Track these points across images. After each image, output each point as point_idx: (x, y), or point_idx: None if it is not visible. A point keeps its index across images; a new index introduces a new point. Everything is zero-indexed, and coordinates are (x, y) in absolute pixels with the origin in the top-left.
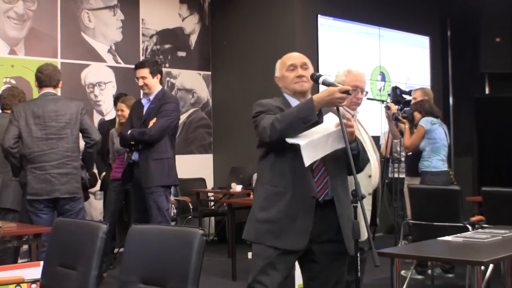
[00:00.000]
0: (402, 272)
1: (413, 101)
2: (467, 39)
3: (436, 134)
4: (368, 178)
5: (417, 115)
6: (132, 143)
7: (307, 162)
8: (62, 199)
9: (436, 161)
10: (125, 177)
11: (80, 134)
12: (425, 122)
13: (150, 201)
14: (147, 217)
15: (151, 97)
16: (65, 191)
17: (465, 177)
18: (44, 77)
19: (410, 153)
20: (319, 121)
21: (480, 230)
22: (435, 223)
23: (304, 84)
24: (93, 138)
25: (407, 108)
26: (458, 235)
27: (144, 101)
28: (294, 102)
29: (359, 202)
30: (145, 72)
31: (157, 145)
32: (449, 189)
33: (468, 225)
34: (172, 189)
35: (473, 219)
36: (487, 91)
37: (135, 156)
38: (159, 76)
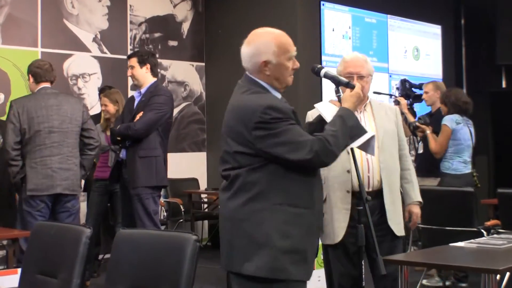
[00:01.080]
0: (424, 282)
1: (424, 96)
2: (482, 28)
3: (461, 134)
4: (347, 173)
5: (444, 108)
6: (119, 139)
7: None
8: (63, 196)
9: (457, 163)
10: (113, 177)
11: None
12: (450, 121)
13: (137, 204)
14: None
15: (142, 90)
16: (66, 187)
17: (480, 178)
18: (43, 72)
19: (421, 151)
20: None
21: (495, 235)
22: (447, 228)
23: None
24: (97, 140)
25: (422, 115)
26: (472, 240)
27: (135, 94)
28: (277, 95)
29: (364, 205)
30: (133, 61)
31: (145, 141)
32: (462, 190)
33: (482, 230)
34: (162, 191)
35: (488, 223)
36: (504, 85)
37: (122, 153)
38: (148, 67)
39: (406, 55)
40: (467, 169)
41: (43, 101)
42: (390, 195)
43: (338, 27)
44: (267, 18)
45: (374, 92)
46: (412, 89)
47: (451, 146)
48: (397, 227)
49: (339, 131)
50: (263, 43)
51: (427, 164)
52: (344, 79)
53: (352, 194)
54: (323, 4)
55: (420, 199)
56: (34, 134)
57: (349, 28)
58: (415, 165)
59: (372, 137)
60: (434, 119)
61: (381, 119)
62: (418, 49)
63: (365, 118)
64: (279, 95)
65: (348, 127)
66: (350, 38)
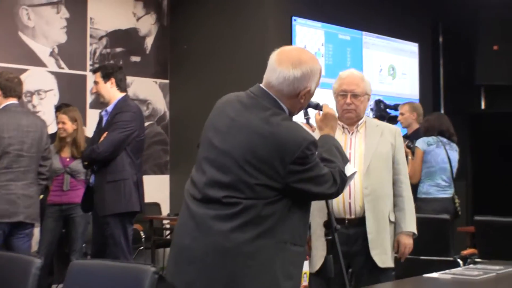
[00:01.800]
0: None
1: (400, 117)
2: (461, 46)
3: (432, 156)
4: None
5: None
6: (86, 163)
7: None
8: (23, 224)
9: (427, 187)
10: (85, 204)
11: None
12: (421, 143)
13: (106, 233)
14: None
15: (109, 108)
16: (29, 215)
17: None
18: (13, 86)
19: None
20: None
21: (471, 265)
22: (421, 257)
23: None
24: (49, 169)
25: (408, 140)
26: (447, 271)
27: (103, 113)
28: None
29: (332, 235)
30: (97, 76)
31: (112, 164)
32: (437, 218)
33: (458, 260)
34: None
35: (465, 252)
36: (483, 106)
37: (92, 179)
38: (113, 81)
39: (381, 74)
40: (442, 193)
41: (15, 119)
42: (375, 223)
43: (310, 44)
44: (236, 34)
45: None
46: (387, 110)
47: (423, 168)
48: (381, 257)
49: (341, 161)
50: (313, 70)
51: None
52: (313, 101)
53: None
54: (294, 20)
55: (412, 229)
56: (1, 155)
57: (322, 45)
58: None
59: (354, 173)
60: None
61: (373, 141)
62: (394, 67)
63: (355, 140)
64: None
65: (344, 157)
66: (323, 56)
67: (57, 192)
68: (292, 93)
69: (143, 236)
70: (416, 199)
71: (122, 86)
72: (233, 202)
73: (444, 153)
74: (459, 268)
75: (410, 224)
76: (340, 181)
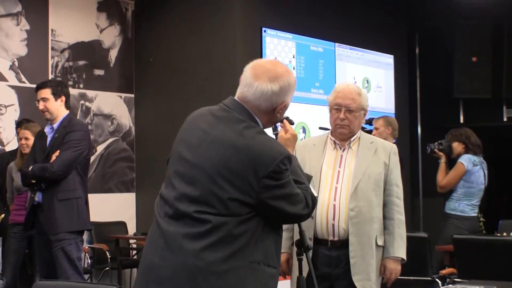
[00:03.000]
0: None
1: (374, 132)
2: (438, 58)
3: (475, 177)
4: (310, 219)
5: (457, 146)
6: (33, 181)
7: None
8: None
9: (464, 206)
10: (28, 222)
11: None
12: (467, 161)
13: (58, 251)
14: (55, 270)
15: (55, 125)
16: None
17: (436, 221)
18: None
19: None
20: None
21: (451, 286)
22: (399, 277)
23: None
24: None
25: (444, 140)
26: None
27: (47, 130)
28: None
29: (304, 254)
30: (46, 93)
31: (64, 182)
32: (414, 236)
33: (437, 279)
34: (85, 235)
35: (444, 272)
36: (461, 120)
37: (38, 196)
38: (63, 98)
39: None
40: (474, 212)
41: None
42: (359, 247)
43: (281, 56)
44: (204, 45)
45: (320, 128)
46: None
47: (462, 187)
48: (363, 284)
49: (307, 183)
50: (290, 84)
51: None
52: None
53: (316, 241)
54: (264, 31)
55: (400, 255)
56: None
57: (293, 57)
58: None
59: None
60: None
61: (365, 159)
62: (368, 80)
63: (346, 157)
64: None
65: (308, 178)
66: (294, 68)
67: (20, 211)
68: (269, 108)
69: (109, 257)
70: (447, 215)
71: (68, 103)
72: (204, 218)
73: (483, 175)
74: None
75: (399, 249)
76: (312, 204)
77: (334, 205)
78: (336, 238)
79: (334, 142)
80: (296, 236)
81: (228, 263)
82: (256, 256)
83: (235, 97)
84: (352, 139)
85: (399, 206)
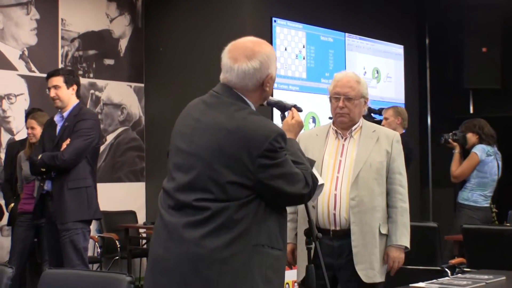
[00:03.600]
0: None
1: (384, 122)
2: (448, 48)
3: (489, 167)
4: (312, 209)
5: (471, 137)
6: (43, 170)
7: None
8: None
9: (477, 196)
10: (37, 211)
11: None
12: (481, 151)
13: (65, 240)
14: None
15: (65, 114)
16: None
17: (445, 211)
18: None
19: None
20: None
21: (460, 275)
22: (408, 266)
23: None
24: None
25: (458, 130)
26: (434, 281)
27: (57, 118)
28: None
29: (314, 243)
30: (58, 80)
31: (74, 171)
32: (424, 226)
33: (446, 269)
34: (95, 224)
35: (453, 261)
36: (471, 110)
37: (47, 185)
38: (75, 87)
39: (365, 77)
40: (487, 203)
41: None
42: (361, 236)
43: (291, 46)
44: (213, 35)
45: (330, 118)
46: (372, 114)
47: (476, 177)
48: (367, 273)
49: (308, 164)
50: (268, 56)
51: None
52: (290, 103)
53: (318, 231)
54: (275, 21)
55: (403, 243)
56: None
57: (303, 47)
58: None
59: (322, 185)
60: None
61: (367, 148)
62: (378, 70)
63: (348, 146)
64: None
65: (311, 162)
66: (304, 58)
67: (28, 200)
68: (256, 85)
69: (119, 246)
70: (460, 205)
71: (79, 92)
72: (203, 206)
73: (496, 166)
74: (446, 278)
75: (401, 237)
76: (312, 184)
77: (335, 195)
78: (338, 228)
79: (336, 132)
80: (300, 228)
81: (230, 248)
82: (260, 239)
83: (221, 82)
84: (353, 128)
85: (402, 194)
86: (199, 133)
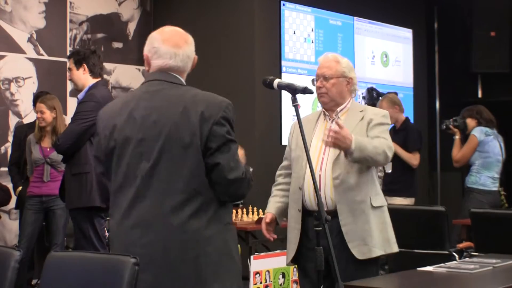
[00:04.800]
0: None
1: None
2: (457, 32)
3: (490, 146)
4: (299, 191)
5: (470, 122)
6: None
7: None
8: None
9: (485, 178)
10: (62, 195)
11: None
12: (479, 132)
13: (75, 227)
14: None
15: (80, 96)
16: None
17: (453, 196)
18: None
19: (389, 170)
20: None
21: (467, 259)
22: (415, 250)
23: None
24: None
25: (459, 117)
26: (442, 264)
27: (77, 101)
28: None
29: (322, 226)
30: (70, 63)
31: (76, 156)
32: (432, 210)
33: (454, 253)
34: None
35: (461, 245)
36: (479, 95)
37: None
38: (85, 66)
39: (374, 61)
40: (495, 186)
41: None
42: (349, 214)
43: (299, 30)
44: (222, 18)
45: None
46: (380, 98)
47: (479, 158)
48: (360, 249)
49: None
50: (191, 40)
51: (398, 183)
52: (300, 86)
53: (305, 212)
54: (283, 4)
55: (356, 139)
56: None
57: (312, 30)
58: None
59: None
60: (402, 136)
61: (349, 127)
62: (387, 54)
63: (332, 127)
64: None
65: None
66: (312, 42)
67: (37, 183)
68: (188, 66)
69: None
70: (469, 189)
71: (95, 71)
72: (181, 193)
73: (499, 146)
74: (454, 262)
75: (362, 140)
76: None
77: (320, 176)
78: (325, 209)
79: (324, 114)
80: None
81: (209, 229)
82: (226, 219)
83: (157, 71)
84: (339, 109)
85: (388, 145)
86: (153, 119)
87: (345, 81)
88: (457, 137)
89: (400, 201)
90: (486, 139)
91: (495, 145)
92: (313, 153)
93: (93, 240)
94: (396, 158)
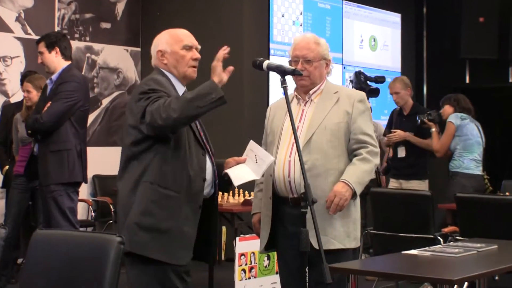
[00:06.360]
0: None
1: (395, 97)
2: (445, 18)
3: (468, 129)
4: (269, 177)
5: (448, 109)
6: (29, 132)
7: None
8: None
9: (468, 162)
10: (28, 173)
11: None
12: (454, 118)
13: (50, 202)
14: None
15: (54, 77)
16: None
17: (439, 180)
18: None
19: (403, 155)
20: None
21: (452, 243)
22: (400, 234)
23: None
24: None
25: (433, 110)
26: (426, 248)
27: (48, 82)
28: (179, 86)
29: (309, 207)
30: (41, 46)
31: (56, 134)
32: (418, 194)
33: (439, 237)
34: (89, 188)
35: (446, 230)
36: (467, 80)
37: (36, 148)
38: (57, 49)
39: (362, 45)
40: (478, 170)
41: None
42: (319, 201)
43: (288, 13)
44: (210, 1)
45: None
46: (368, 82)
47: (459, 142)
48: (317, 239)
49: (189, 96)
50: (159, 37)
51: (413, 167)
52: (290, 67)
53: (277, 199)
54: None
55: (352, 181)
56: None
57: (301, 14)
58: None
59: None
60: (414, 121)
61: (322, 111)
62: (375, 38)
63: (307, 110)
64: (182, 88)
65: (197, 89)
66: (301, 25)
67: (24, 163)
68: (156, 59)
69: (113, 210)
70: (453, 174)
71: (67, 54)
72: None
73: (476, 129)
74: (438, 246)
75: (352, 176)
76: (154, 110)
77: (289, 161)
78: (295, 195)
79: (296, 97)
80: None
81: (127, 185)
82: (148, 176)
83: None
84: (311, 91)
85: (369, 152)
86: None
87: (325, 63)
88: (433, 129)
89: (417, 184)
90: (462, 123)
91: (473, 128)
92: (284, 137)
93: (67, 213)
94: (409, 143)
